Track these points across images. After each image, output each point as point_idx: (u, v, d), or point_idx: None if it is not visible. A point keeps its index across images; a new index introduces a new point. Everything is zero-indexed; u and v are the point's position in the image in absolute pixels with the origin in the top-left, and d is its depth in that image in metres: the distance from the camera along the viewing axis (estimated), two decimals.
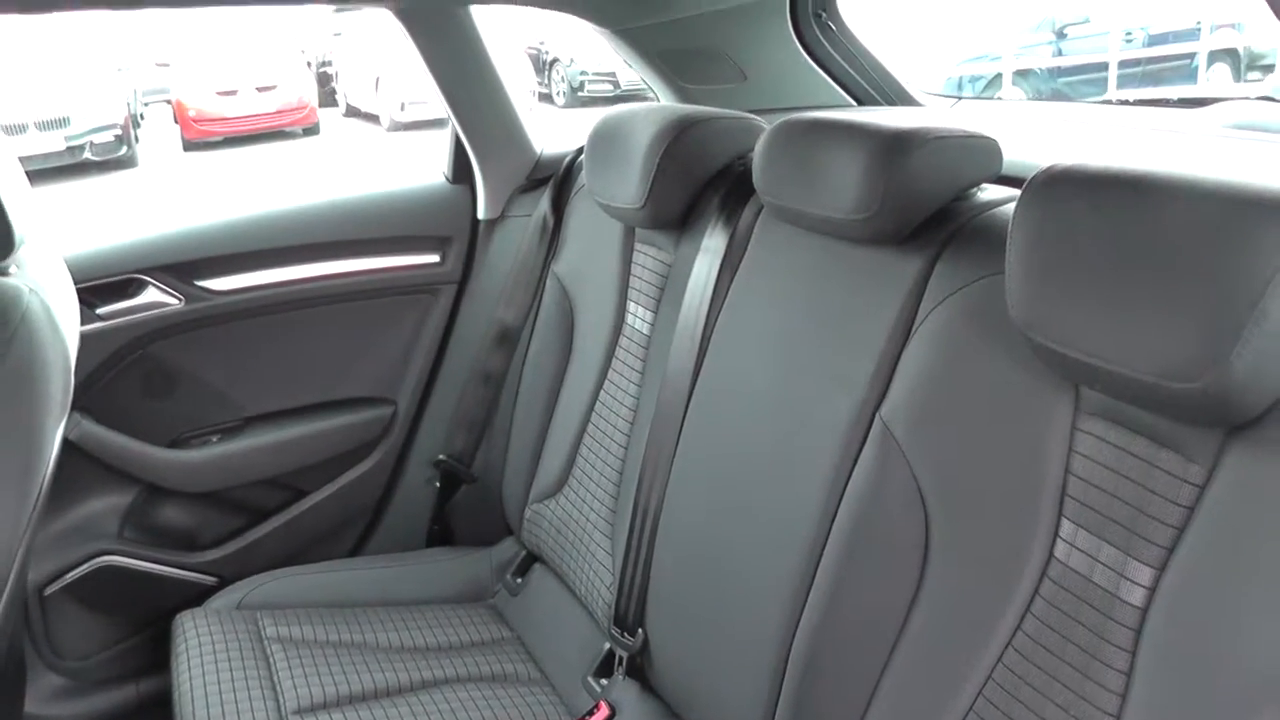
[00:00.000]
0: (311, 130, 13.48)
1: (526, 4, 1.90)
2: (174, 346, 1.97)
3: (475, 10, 1.95)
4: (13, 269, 1.33)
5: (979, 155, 1.26)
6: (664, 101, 2.11)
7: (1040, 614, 1.00)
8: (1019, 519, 1.02)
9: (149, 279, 1.92)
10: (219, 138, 12.95)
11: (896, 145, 1.22)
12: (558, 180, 2.00)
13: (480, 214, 2.11)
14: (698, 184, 1.60)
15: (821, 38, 2.06)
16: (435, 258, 2.12)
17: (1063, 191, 0.96)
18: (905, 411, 1.16)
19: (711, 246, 1.52)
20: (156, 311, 1.93)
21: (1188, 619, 0.87)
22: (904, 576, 1.13)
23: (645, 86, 2.16)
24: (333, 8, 2.08)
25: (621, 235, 1.76)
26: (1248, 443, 0.86)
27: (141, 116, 13.86)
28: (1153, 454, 0.92)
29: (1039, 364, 1.02)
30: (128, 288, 1.91)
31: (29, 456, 1.27)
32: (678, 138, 1.57)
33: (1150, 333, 0.87)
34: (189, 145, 12.91)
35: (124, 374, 1.94)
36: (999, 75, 9.18)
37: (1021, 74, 9.31)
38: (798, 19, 2.02)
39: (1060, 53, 9.57)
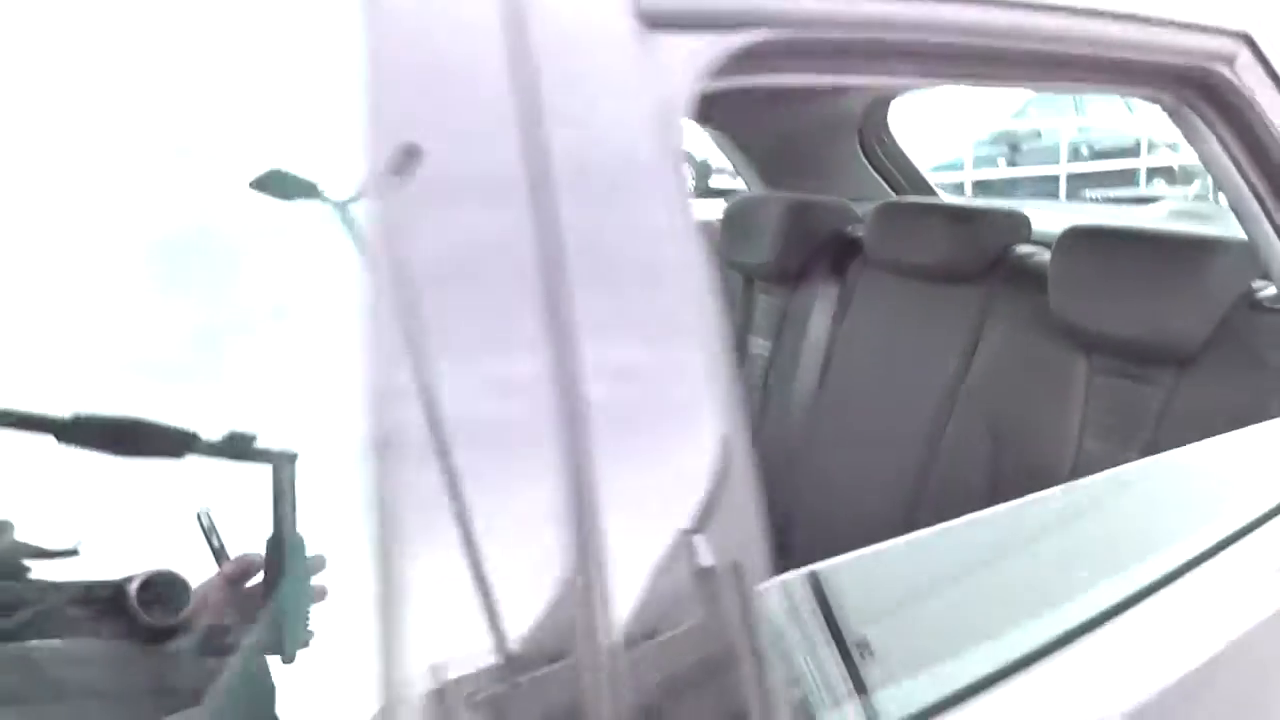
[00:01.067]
0: None
1: None
2: None
3: None
4: None
5: (1018, 223, 1.96)
6: (753, 189, 2.77)
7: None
8: (1057, 440, 1.68)
9: None
10: None
11: (969, 216, 1.91)
12: None
13: None
14: (811, 248, 2.27)
15: (877, 148, 2.75)
16: None
17: (1085, 239, 1.64)
18: (981, 379, 1.83)
19: (826, 293, 2.19)
20: None
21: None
22: (979, 487, 1.77)
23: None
24: None
25: (742, 285, 2.42)
26: (1189, 374, 1.54)
27: None
28: (1138, 389, 1.59)
29: (1065, 345, 1.69)
30: None
31: None
32: (799, 215, 2.26)
33: (1139, 313, 1.55)
34: None
35: None
36: (961, 184, 9.93)
37: (980, 185, 10.04)
38: (864, 134, 2.72)
39: (1014, 164, 10.40)
